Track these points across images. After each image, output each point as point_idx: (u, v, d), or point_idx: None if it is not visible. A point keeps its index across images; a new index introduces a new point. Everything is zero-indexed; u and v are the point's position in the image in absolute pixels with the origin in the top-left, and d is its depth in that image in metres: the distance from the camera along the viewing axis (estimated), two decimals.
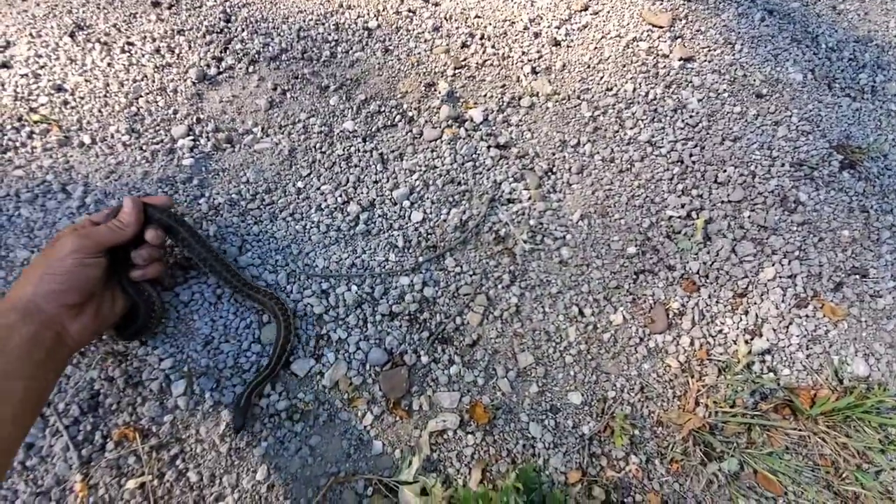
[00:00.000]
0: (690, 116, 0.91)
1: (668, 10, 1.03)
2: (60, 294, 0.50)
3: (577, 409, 0.69)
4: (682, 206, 0.82)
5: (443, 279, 0.74)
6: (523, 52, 0.94)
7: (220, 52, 0.87)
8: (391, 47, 0.92)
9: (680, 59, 0.97)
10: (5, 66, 0.81)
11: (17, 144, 0.74)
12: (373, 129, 0.84)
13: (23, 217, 0.70)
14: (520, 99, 0.90)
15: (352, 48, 0.91)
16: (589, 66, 0.95)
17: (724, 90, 0.94)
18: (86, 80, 0.81)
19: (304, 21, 0.93)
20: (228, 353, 0.67)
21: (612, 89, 0.93)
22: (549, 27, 0.97)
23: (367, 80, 0.89)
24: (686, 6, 1.05)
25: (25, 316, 0.47)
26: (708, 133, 0.90)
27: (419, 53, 0.92)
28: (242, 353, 0.68)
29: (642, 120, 0.90)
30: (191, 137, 0.79)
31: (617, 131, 0.89)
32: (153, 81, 0.82)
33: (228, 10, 0.92)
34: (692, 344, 0.73)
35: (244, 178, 0.77)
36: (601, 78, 0.94)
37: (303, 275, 0.72)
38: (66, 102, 0.78)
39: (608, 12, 1.02)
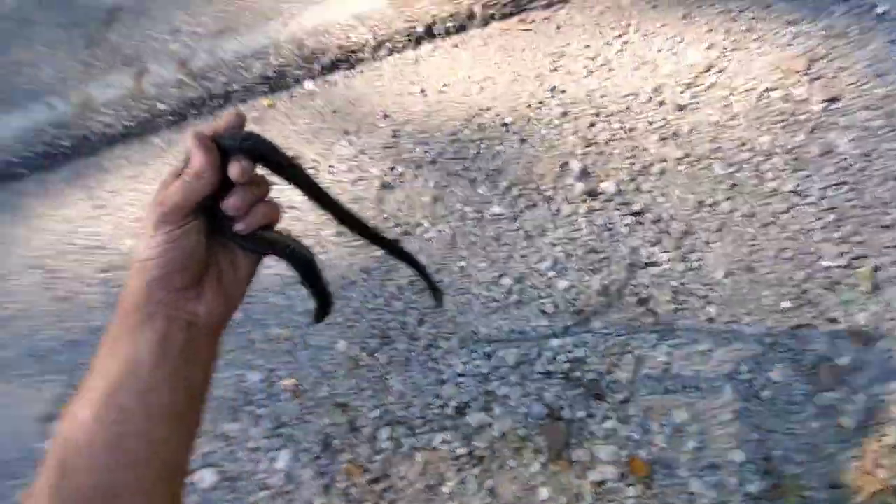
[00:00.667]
0: (842, 160, 0.88)
1: (802, 53, 1.02)
2: (166, 279, 0.36)
3: (741, 466, 0.71)
4: (841, 254, 0.80)
5: (591, 340, 0.84)
6: (649, 122, 1.02)
7: (394, 162, 1.12)
8: (525, 137, 1.08)
9: (822, 102, 0.95)
10: None
11: None
12: (517, 211, 0.99)
13: (273, 304, 0.99)
14: (650, 167, 0.97)
15: (493, 143, 1.09)
16: (719, 125, 0.99)
17: (880, 126, 0.90)
18: (304, 197, 1.11)
19: (453, 127, 1.14)
20: (417, 405, 0.84)
21: (746, 144, 0.95)
22: (672, 93, 1.04)
23: (508, 169, 1.05)
24: (824, 44, 1.03)
25: (144, 316, 0.35)
26: (864, 174, 0.86)
27: (551, 138, 1.06)
28: (427, 406, 0.84)
29: (784, 171, 0.90)
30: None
31: (756, 185, 0.90)
32: (350, 193, 1.09)
33: (395, 128, 1.17)
34: (868, 402, 0.70)
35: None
36: (733, 134, 0.97)
37: (469, 341, 0.88)
38: (296, 217, 1.08)
39: (734, 68, 1.05)
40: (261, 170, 0.38)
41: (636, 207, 0.93)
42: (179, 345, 0.36)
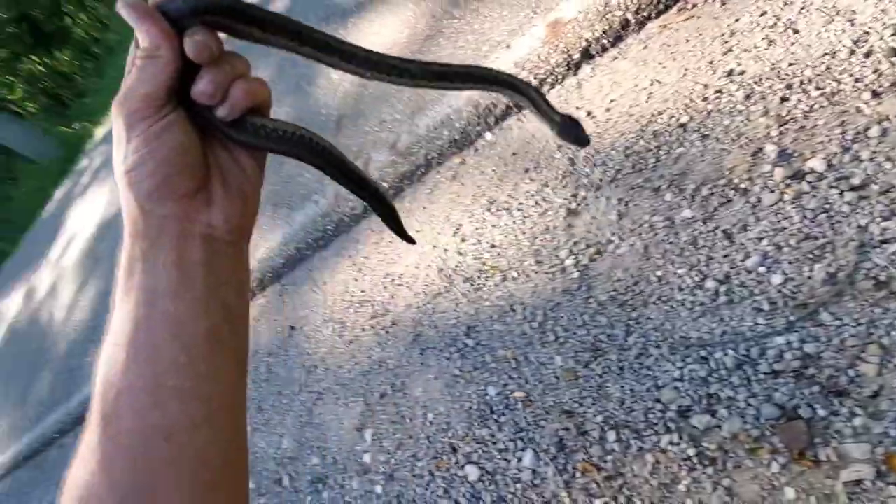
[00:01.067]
0: None
1: None
2: (164, 188, 0.30)
3: None
4: None
5: (822, 334, 0.79)
6: (856, 80, 0.90)
7: (575, 188, 1.22)
8: (706, 132, 1.06)
9: None
10: (463, 240, 1.39)
11: (481, 286, 1.27)
12: (710, 211, 0.99)
13: (495, 331, 1.19)
14: (866, 130, 0.86)
15: (671, 147, 1.10)
16: None
17: None
18: (504, 237, 1.30)
19: (626, 141, 1.19)
20: (638, 410, 0.92)
21: None
22: (880, 39, 0.89)
23: (693, 169, 1.05)
24: None
25: (154, 240, 0.30)
26: None
27: (737, 127, 1.02)
28: (648, 411, 0.91)
29: None
30: (573, 257, 1.14)
31: None
32: (540, 225, 1.24)
33: (570, 156, 1.28)
34: None
35: (615, 278, 1.05)
36: None
37: (681, 346, 0.92)
38: (499, 254, 1.28)
39: None
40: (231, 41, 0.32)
41: (856, 181, 0.84)
42: (200, 264, 0.31)
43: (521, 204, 1.31)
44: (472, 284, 1.29)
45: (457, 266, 1.35)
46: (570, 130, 0.49)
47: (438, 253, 1.42)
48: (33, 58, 9.06)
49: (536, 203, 1.28)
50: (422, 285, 1.41)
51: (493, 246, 1.31)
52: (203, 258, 0.31)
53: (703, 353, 0.89)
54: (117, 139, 0.30)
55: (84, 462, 0.27)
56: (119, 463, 0.27)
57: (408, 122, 1.74)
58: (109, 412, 0.28)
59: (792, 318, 0.82)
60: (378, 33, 2.29)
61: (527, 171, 1.36)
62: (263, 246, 2.06)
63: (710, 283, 0.92)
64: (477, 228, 1.37)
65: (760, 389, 0.81)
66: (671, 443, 0.87)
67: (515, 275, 1.22)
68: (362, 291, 1.59)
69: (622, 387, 0.96)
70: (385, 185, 1.71)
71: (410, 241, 0.50)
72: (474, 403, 1.16)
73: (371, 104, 1.98)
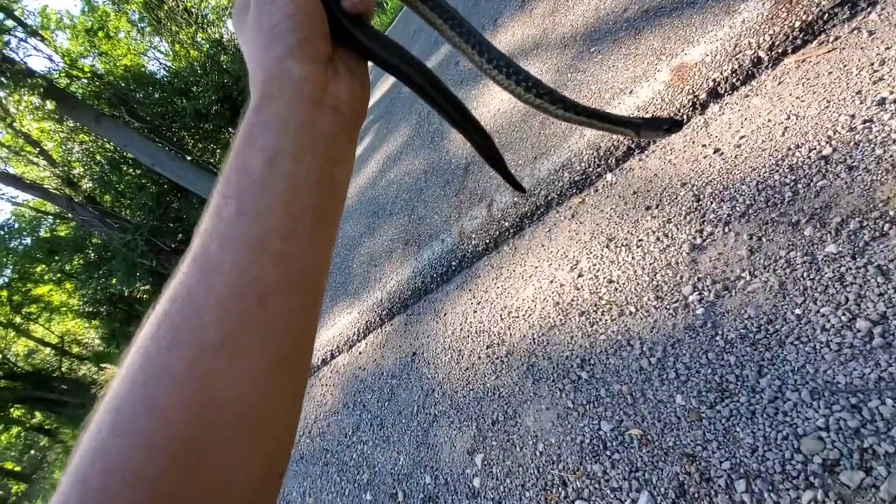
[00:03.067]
0: None
1: None
2: (306, 46, 0.32)
3: None
4: None
5: None
6: None
7: (700, 224, 1.19)
8: (853, 164, 0.98)
9: None
10: (580, 275, 1.42)
11: (597, 320, 1.27)
12: (859, 246, 0.90)
13: (610, 364, 1.17)
14: None
15: (811, 180, 1.03)
16: None
17: None
18: (622, 272, 1.30)
19: (758, 176, 1.14)
20: (773, 459, 0.84)
21: None
22: None
23: (838, 202, 0.97)
24: None
25: (288, 99, 0.31)
26: None
27: (891, 156, 0.93)
28: (786, 461, 0.82)
29: None
30: (697, 293, 1.10)
31: None
32: (661, 261, 1.22)
33: (696, 192, 1.25)
34: None
35: (746, 315, 0.99)
36: None
37: (826, 392, 0.83)
38: (616, 289, 1.28)
39: None
40: None
41: None
42: (327, 134, 0.32)
43: (640, 240, 1.31)
44: (587, 318, 1.30)
45: (573, 300, 1.38)
46: (655, 124, 0.50)
47: (555, 287, 1.46)
48: (231, 130, 11.45)
49: (658, 239, 1.27)
50: (537, 318, 1.46)
51: (610, 281, 1.31)
52: (330, 129, 0.32)
53: (854, 400, 0.79)
54: (263, 2, 0.33)
55: (176, 301, 0.27)
56: (210, 313, 0.26)
57: (530, 166, 1.86)
58: (209, 262, 0.28)
59: None
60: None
61: (648, 208, 1.36)
62: (394, 279, 2.29)
63: (861, 324, 0.83)
64: (594, 264, 1.39)
65: None
66: (814, 500, 0.77)
67: (633, 309, 1.20)
68: (480, 322, 1.68)
69: (754, 432, 0.88)
70: (506, 224, 1.82)
71: (518, 186, 0.51)
72: (587, 437, 1.14)
73: None
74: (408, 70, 0.38)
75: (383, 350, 2.13)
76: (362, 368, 2.22)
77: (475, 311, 1.73)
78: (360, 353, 2.33)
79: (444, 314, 1.90)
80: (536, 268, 1.59)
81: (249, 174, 0.29)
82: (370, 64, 0.39)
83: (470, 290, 1.84)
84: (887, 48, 1.03)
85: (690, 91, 1.42)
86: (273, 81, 0.31)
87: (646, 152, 1.48)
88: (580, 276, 1.41)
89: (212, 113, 10.98)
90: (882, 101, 0.99)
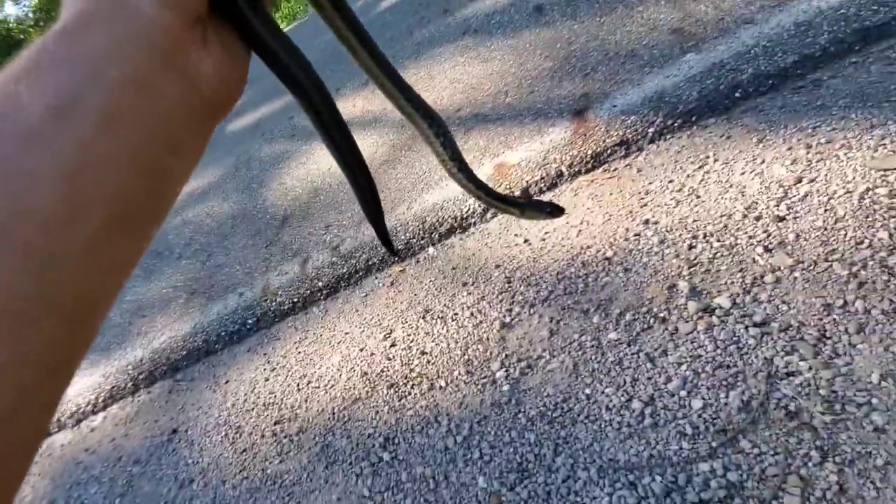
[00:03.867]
0: None
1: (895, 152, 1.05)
2: None
3: None
4: None
5: (743, 462, 0.79)
6: (750, 237, 1.07)
7: (510, 304, 1.25)
8: (628, 266, 1.17)
9: None
10: (393, 345, 1.33)
11: (406, 393, 1.18)
12: (633, 335, 1.04)
13: (416, 443, 1.08)
14: (762, 277, 0.99)
15: (598, 276, 1.19)
16: (826, 229, 1.00)
17: None
18: (436, 344, 1.26)
19: (558, 267, 1.27)
20: None
21: (863, 242, 0.94)
22: (767, 208, 1.09)
23: (618, 297, 1.12)
24: None
25: (121, 35, 0.21)
26: None
27: (654, 264, 1.14)
28: None
29: None
30: (504, 369, 1.11)
31: (888, 280, 0.87)
32: (474, 336, 1.23)
33: (507, 275, 1.34)
34: None
35: (545, 393, 1.03)
36: (846, 235, 0.97)
37: (609, 470, 0.87)
38: (429, 361, 1.23)
39: (826, 175, 1.09)
40: None
41: (758, 318, 0.93)
42: (169, 106, 0.23)
43: (456, 314, 1.31)
44: (396, 391, 1.20)
45: (383, 370, 1.27)
46: (538, 206, 0.54)
47: (365, 356, 1.34)
48: None
49: (472, 315, 1.28)
50: (341, 389, 1.29)
51: (423, 353, 1.26)
52: (176, 102, 0.23)
53: (631, 477, 0.84)
54: None
55: None
56: None
57: (354, 228, 1.78)
58: None
59: (714, 443, 0.82)
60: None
61: (465, 284, 1.39)
62: (165, 335, 1.85)
63: (636, 404, 0.93)
64: (409, 335, 1.33)
65: None
66: None
67: (444, 384, 1.15)
68: (271, 393, 1.42)
69: None
70: (320, 284, 1.66)
71: (390, 246, 0.47)
72: None
73: (321, 209, 2.03)
74: (298, 74, 0.31)
75: (129, 426, 1.63)
76: (90, 451, 1.64)
77: (267, 380, 1.47)
78: (91, 431, 1.73)
79: (227, 381, 1.57)
80: (347, 333, 1.45)
81: (17, 120, 0.18)
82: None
83: (265, 354, 1.57)
84: (650, 182, 1.31)
85: (508, 187, 1.58)
86: (102, 3, 0.21)
87: (467, 233, 1.56)
88: (393, 345, 1.33)
89: None
90: (647, 221, 1.23)
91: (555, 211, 0.54)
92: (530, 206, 0.54)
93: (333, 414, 1.24)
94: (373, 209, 0.43)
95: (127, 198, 0.21)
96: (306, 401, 1.33)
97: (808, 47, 1.34)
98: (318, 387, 1.34)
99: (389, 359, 1.29)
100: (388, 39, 3.42)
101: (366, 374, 1.29)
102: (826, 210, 1.03)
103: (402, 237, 1.64)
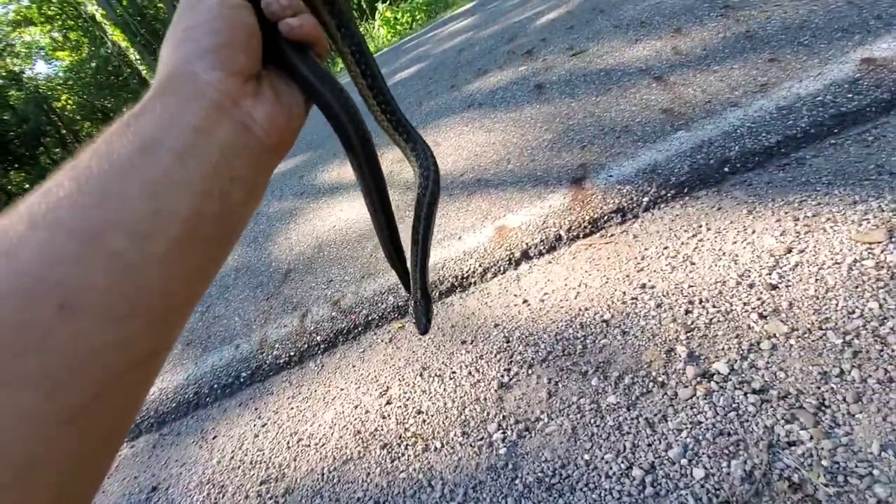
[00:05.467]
0: None
1: (879, 226, 1.09)
2: (222, 53, 0.29)
3: None
4: None
5: None
6: (744, 304, 1.09)
7: (508, 364, 1.25)
8: (626, 329, 1.18)
9: None
10: (389, 403, 1.31)
11: (399, 454, 1.15)
12: (633, 399, 1.03)
13: None
14: (759, 343, 1.00)
15: (597, 338, 1.20)
16: (818, 298, 1.02)
17: None
18: (433, 403, 1.24)
19: (556, 328, 1.28)
20: None
21: (854, 312, 0.96)
22: (759, 276, 1.12)
23: (616, 360, 1.13)
24: None
25: (185, 97, 0.27)
26: None
27: (651, 328, 1.15)
28: None
29: None
30: (501, 431, 1.09)
31: (881, 350, 0.88)
32: (471, 395, 1.21)
33: (506, 335, 1.34)
34: None
35: (543, 458, 1.00)
36: (837, 304, 0.99)
37: None
38: (424, 420, 1.20)
39: (814, 246, 1.13)
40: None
41: (756, 385, 0.93)
42: (224, 145, 0.28)
43: (454, 373, 1.30)
44: (389, 452, 1.16)
45: (377, 429, 1.24)
46: (420, 312, 0.54)
47: (359, 414, 1.31)
48: None
49: (470, 373, 1.27)
50: (332, 448, 1.25)
51: (419, 412, 1.23)
52: (232, 141, 0.28)
53: None
54: (188, 6, 0.30)
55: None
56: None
57: (355, 284, 1.80)
58: (35, 216, 0.21)
59: None
60: (346, 209, 2.53)
61: (463, 342, 1.39)
62: (156, 385, 1.81)
63: (636, 472, 0.90)
64: (405, 392, 1.31)
65: None
66: None
67: (439, 445, 1.12)
68: (259, 450, 1.37)
69: None
70: (318, 339, 1.66)
71: (409, 288, 0.49)
72: None
73: (324, 264, 2.06)
74: (343, 116, 0.35)
75: (107, 482, 1.55)
76: None
77: (257, 436, 1.43)
78: None
79: (215, 437, 1.52)
80: (342, 390, 1.43)
81: (110, 158, 0.23)
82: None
83: (256, 409, 1.53)
84: (646, 248, 1.35)
85: (508, 248, 1.62)
86: (172, 79, 0.28)
87: (466, 292, 1.58)
88: (389, 403, 1.30)
89: None
90: (643, 286, 1.26)
91: (424, 326, 0.53)
92: (417, 308, 0.55)
93: (323, 475, 1.20)
94: (394, 253, 0.48)
95: (198, 217, 0.25)
96: (295, 459, 1.28)
97: (790, 129, 1.43)
98: (309, 445, 1.30)
99: (384, 417, 1.26)
100: None
101: (359, 432, 1.26)
102: (817, 280, 1.06)
103: (404, 294, 1.65)
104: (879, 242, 1.06)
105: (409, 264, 0.53)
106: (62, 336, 0.19)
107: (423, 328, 0.51)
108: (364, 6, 10.27)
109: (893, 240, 1.05)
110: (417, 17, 8.87)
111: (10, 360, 0.18)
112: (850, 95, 1.43)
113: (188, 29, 0.29)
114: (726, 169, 1.46)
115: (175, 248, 0.24)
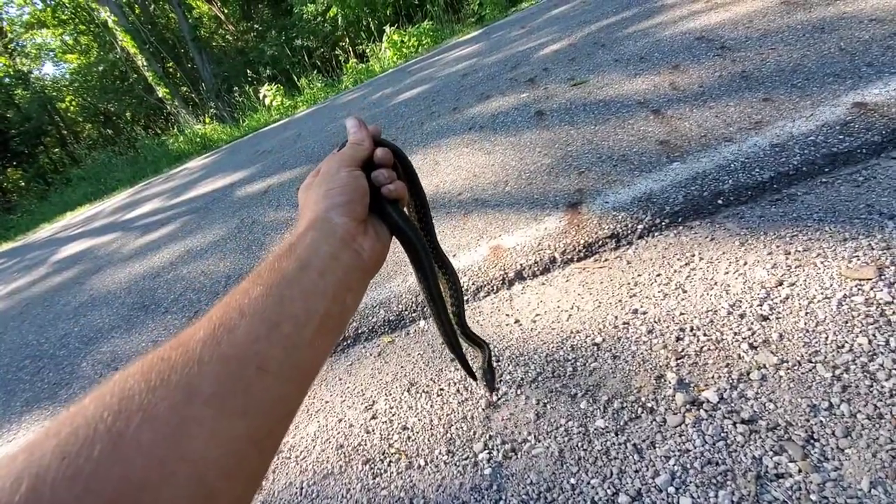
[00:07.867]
0: None
1: (869, 263, 1.11)
2: (347, 206, 0.46)
3: None
4: None
5: None
6: (735, 333, 1.09)
7: (497, 383, 1.23)
8: (617, 354, 1.18)
9: None
10: (374, 417, 1.29)
11: (382, 471, 1.12)
12: (621, 424, 1.02)
13: None
14: (748, 374, 1.00)
15: (587, 361, 1.19)
16: (808, 331, 1.03)
17: None
18: (419, 419, 1.22)
19: (547, 349, 1.28)
20: None
21: (844, 346, 0.97)
22: (750, 307, 1.13)
23: (606, 384, 1.12)
24: (888, 254, 1.12)
25: (324, 234, 0.43)
26: None
27: (641, 353, 1.15)
28: None
29: None
30: (487, 451, 1.07)
31: (871, 386, 0.88)
32: (458, 413, 1.19)
33: (496, 353, 1.33)
34: None
35: (529, 480, 0.98)
36: (827, 338, 1.00)
37: None
38: (409, 437, 1.18)
39: (805, 281, 1.14)
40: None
41: (745, 415, 0.92)
42: (347, 266, 0.43)
43: (441, 390, 1.28)
44: (371, 468, 1.14)
45: (360, 444, 1.21)
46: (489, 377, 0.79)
47: (343, 427, 1.28)
48: None
49: (458, 391, 1.26)
50: (313, 462, 1.22)
51: (404, 428, 1.21)
52: (350, 263, 0.43)
53: None
54: (328, 175, 0.48)
55: (178, 349, 0.31)
56: (210, 366, 0.30)
57: None
58: (223, 324, 0.32)
59: None
60: None
61: (453, 360, 1.37)
62: None
63: (622, 498, 0.88)
64: (392, 407, 1.29)
65: None
66: None
67: (423, 462, 1.10)
68: None
69: None
70: None
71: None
72: None
73: None
74: (422, 255, 0.55)
75: None
76: None
77: None
78: None
79: None
80: (327, 402, 1.40)
81: (282, 272, 0.38)
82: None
83: None
84: (639, 275, 1.36)
85: (502, 268, 1.62)
86: (317, 221, 0.44)
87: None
88: (374, 417, 1.28)
89: None
90: (635, 311, 1.26)
91: (491, 391, 0.80)
92: (485, 376, 0.79)
93: (301, 488, 1.16)
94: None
95: (327, 315, 0.38)
96: (274, 472, 1.24)
97: (782, 166, 1.46)
98: (290, 457, 1.27)
99: (368, 432, 1.24)
100: (399, 127, 3.68)
101: (342, 446, 1.23)
102: (807, 313, 1.07)
103: (395, 308, 1.65)
104: (869, 279, 1.07)
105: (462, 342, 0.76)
106: (259, 387, 0.31)
107: (494, 391, 0.73)
108: (372, 28, 10.49)
109: (883, 278, 1.06)
110: (424, 42, 9.07)
111: (230, 398, 0.29)
112: (841, 136, 1.47)
113: (328, 190, 0.47)
114: (720, 201, 1.48)
115: (316, 335, 0.36)
